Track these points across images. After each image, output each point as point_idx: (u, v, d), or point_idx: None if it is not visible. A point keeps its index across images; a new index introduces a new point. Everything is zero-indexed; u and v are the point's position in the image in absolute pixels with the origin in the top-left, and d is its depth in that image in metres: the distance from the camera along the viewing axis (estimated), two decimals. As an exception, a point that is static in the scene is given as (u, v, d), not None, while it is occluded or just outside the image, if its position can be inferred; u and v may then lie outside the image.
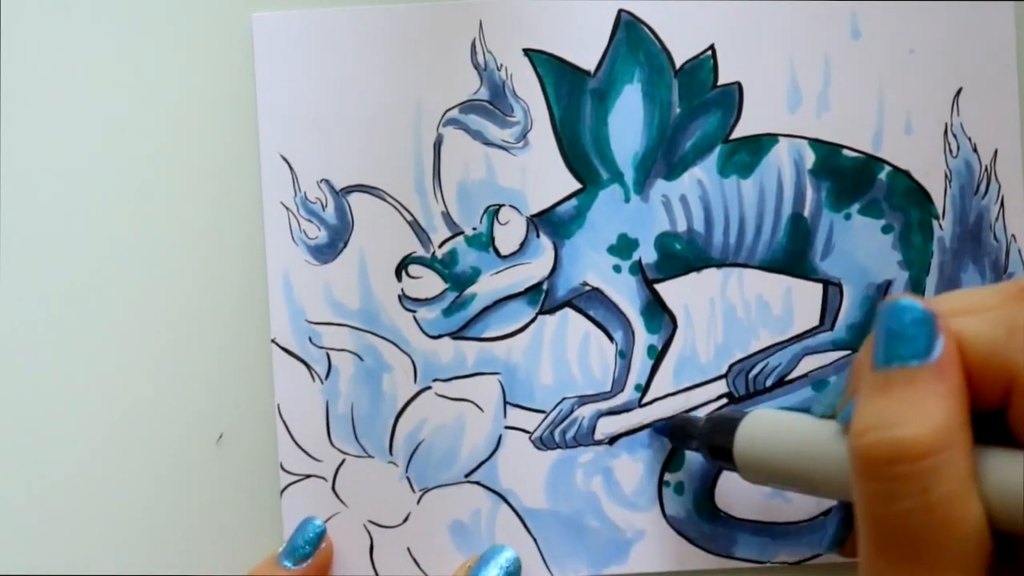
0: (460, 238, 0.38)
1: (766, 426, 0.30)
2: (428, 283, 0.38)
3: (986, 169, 0.37)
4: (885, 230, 0.37)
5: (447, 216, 0.38)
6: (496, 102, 0.37)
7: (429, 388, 0.37)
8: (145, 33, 0.38)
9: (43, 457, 0.38)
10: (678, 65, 0.37)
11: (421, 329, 0.37)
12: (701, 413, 0.37)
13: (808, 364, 0.37)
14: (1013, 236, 0.37)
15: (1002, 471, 0.23)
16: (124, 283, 0.38)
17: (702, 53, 0.37)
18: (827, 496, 0.28)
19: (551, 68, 0.37)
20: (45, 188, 0.38)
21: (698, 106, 0.37)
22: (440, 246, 0.38)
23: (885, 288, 0.37)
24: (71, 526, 0.38)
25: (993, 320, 0.24)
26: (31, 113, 0.38)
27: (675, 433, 0.37)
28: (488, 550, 0.37)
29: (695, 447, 0.35)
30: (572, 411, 0.37)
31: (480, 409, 0.37)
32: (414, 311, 0.38)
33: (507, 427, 0.37)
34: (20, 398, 0.38)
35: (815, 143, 0.37)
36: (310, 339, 0.37)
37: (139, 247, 0.38)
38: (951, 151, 0.37)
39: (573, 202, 0.37)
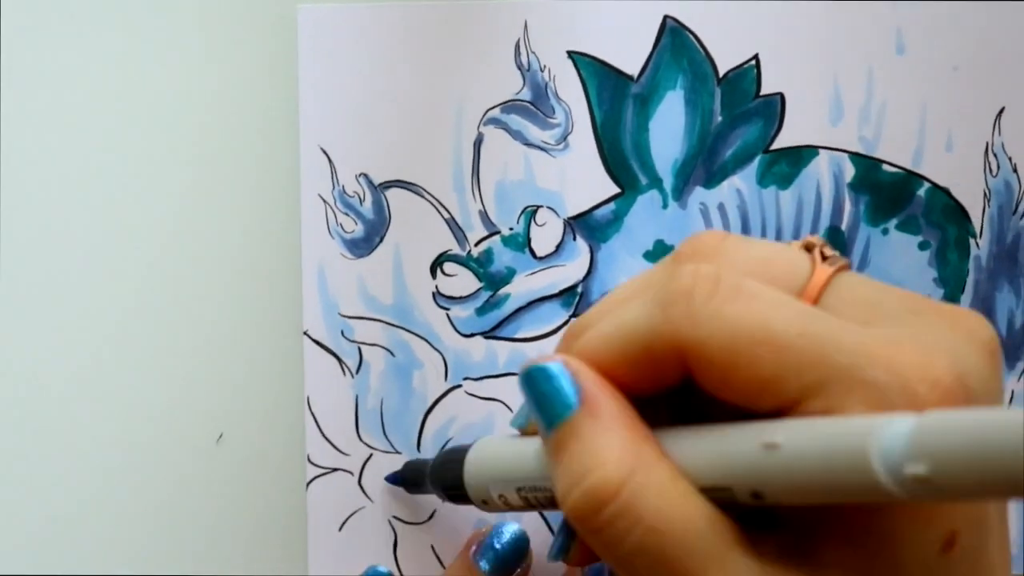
0: (496, 237, 0.38)
1: (490, 457, 0.29)
2: (463, 281, 0.38)
3: (1025, 189, 0.37)
4: (922, 246, 0.37)
5: (484, 215, 0.38)
6: (538, 103, 0.37)
7: (459, 386, 0.37)
8: (191, 22, 0.38)
9: (69, 452, 0.38)
10: (721, 73, 0.37)
11: (454, 327, 0.37)
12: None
13: (840, 377, 0.37)
14: (1050, 257, 0.37)
15: (704, 457, 0.23)
16: (159, 271, 0.38)
17: (746, 62, 0.37)
18: (553, 510, 0.27)
19: (594, 71, 0.37)
20: (83, 175, 0.38)
21: (740, 115, 0.37)
22: (476, 245, 0.38)
23: (920, 304, 0.37)
24: (97, 521, 0.38)
25: (650, 300, 0.24)
26: (73, 102, 0.38)
27: (407, 479, 0.36)
28: (494, 526, 0.36)
29: (428, 489, 0.34)
30: (601, 415, 0.37)
31: (509, 409, 0.37)
32: (447, 309, 0.38)
33: (536, 428, 0.37)
34: (52, 393, 0.38)
35: (855, 157, 0.37)
36: (342, 332, 0.37)
37: (177, 236, 0.38)
38: (991, 170, 0.37)
39: (611, 206, 0.37)
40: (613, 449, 0.23)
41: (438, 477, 0.32)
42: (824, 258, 0.24)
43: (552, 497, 0.26)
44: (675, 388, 0.24)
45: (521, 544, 0.36)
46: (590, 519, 0.23)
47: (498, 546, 0.36)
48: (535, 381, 0.25)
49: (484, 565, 0.35)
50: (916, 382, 0.21)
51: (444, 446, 0.37)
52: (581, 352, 0.25)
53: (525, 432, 0.28)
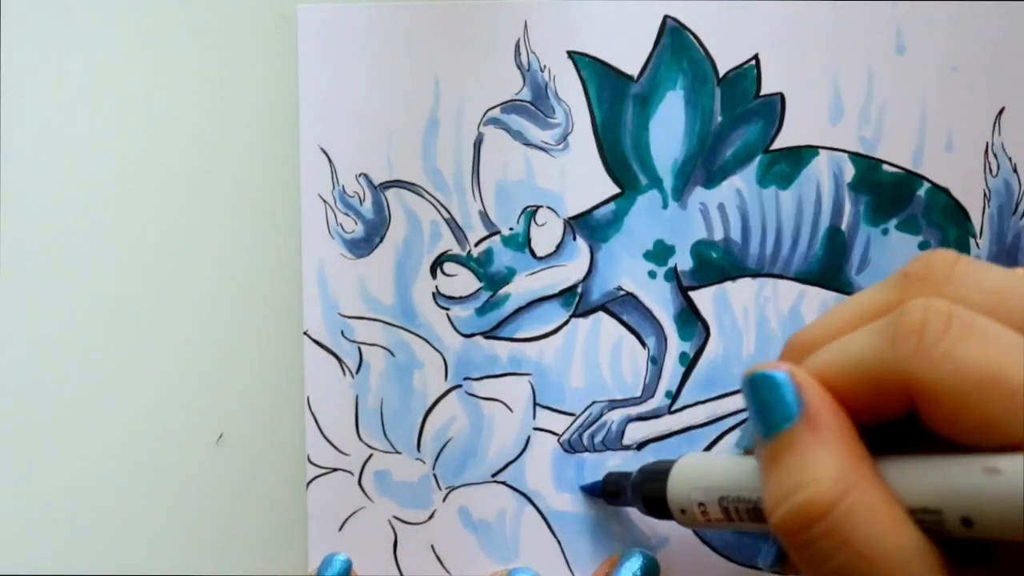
0: (496, 238, 0.38)
1: (695, 468, 0.29)
2: (463, 281, 0.38)
3: (1025, 190, 0.37)
4: (922, 246, 0.37)
5: (484, 215, 0.38)
6: (538, 103, 0.37)
7: (459, 386, 0.37)
8: (191, 21, 0.38)
9: (70, 452, 0.38)
10: (721, 73, 0.37)
11: (454, 327, 0.37)
12: (732, 422, 0.37)
13: (840, 377, 0.37)
14: (1050, 258, 0.37)
15: (918, 479, 0.23)
16: (160, 271, 0.38)
17: (746, 63, 0.37)
18: (764, 530, 0.27)
19: (594, 71, 0.37)
20: (82, 176, 0.38)
21: (740, 115, 0.37)
22: (476, 245, 0.38)
23: (919, 304, 0.37)
24: (97, 521, 0.38)
25: (879, 332, 0.24)
26: (72, 102, 0.38)
27: (607, 491, 0.36)
28: (623, 553, 0.37)
29: (628, 502, 0.34)
30: (601, 415, 0.37)
31: (510, 409, 0.37)
32: (447, 309, 0.38)
33: (536, 428, 0.37)
34: (52, 394, 0.38)
35: (855, 157, 0.37)
36: (342, 332, 0.37)
37: (177, 236, 0.38)
38: (991, 170, 0.37)
39: (611, 206, 0.37)
40: (830, 467, 0.23)
41: (641, 485, 0.32)
42: None
43: (752, 510, 0.26)
44: (896, 420, 0.24)
45: (651, 567, 0.36)
46: (798, 535, 0.23)
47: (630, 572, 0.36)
48: (759, 387, 0.25)
49: None
50: None
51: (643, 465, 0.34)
52: (809, 371, 0.25)
53: (746, 453, 0.28)
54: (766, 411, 0.25)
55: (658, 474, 0.30)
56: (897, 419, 0.24)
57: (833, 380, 0.24)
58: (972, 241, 0.37)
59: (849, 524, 0.22)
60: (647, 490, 0.31)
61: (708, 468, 0.28)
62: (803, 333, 0.26)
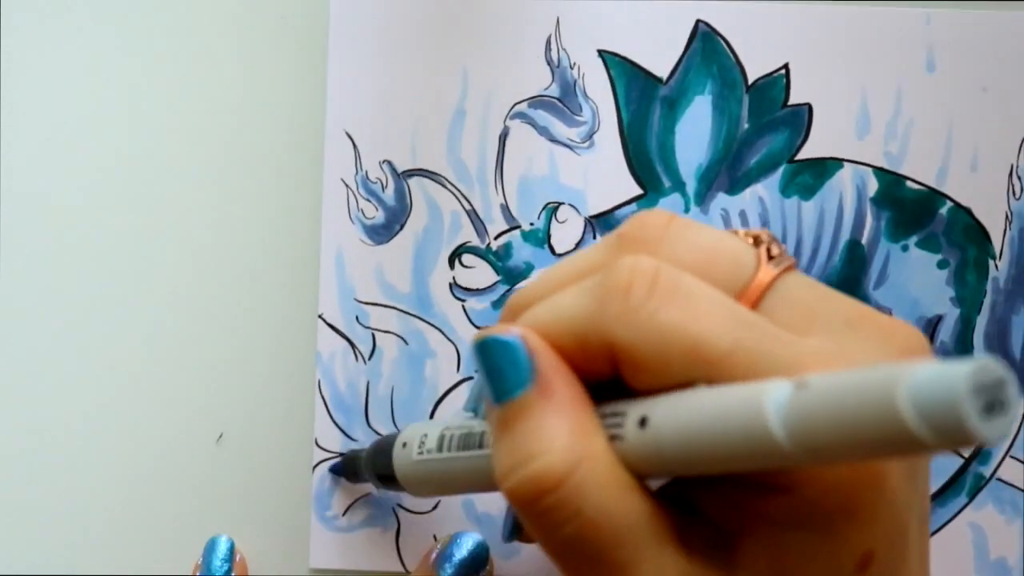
0: (516, 232, 0.38)
1: (418, 436, 0.29)
2: (480, 274, 0.38)
3: (1047, 214, 0.37)
4: (941, 265, 0.37)
5: (506, 209, 0.38)
6: (566, 100, 0.37)
7: (471, 378, 0.37)
8: (223, 4, 0.38)
9: (71, 448, 0.38)
10: (751, 81, 0.37)
11: (469, 319, 0.37)
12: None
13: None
14: (1068, 283, 0.37)
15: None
16: (179, 249, 0.38)
17: (776, 71, 0.37)
18: (491, 490, 0.26)
19: (623, 71, 0.37)
20: (106, 158, 0.38)
21: (767, 123, 0.37)
22: (496, 238, 0.38)
23: (935, 323, 0.37)
24: (98, 516, 0.38)
25: (587, 290, 0.23)
26: (98, 86, 0.38)
27: (346, 469, 0.36)
28: (453, 536, 0.37)
29: (365, 478, 0.34)
30: (611, 415, 0.37)
31: (520, 404, 0.37)
32: (464, 300, 0.38)
33: (545, 425, 0.37)
34: (56, 384, 0.38)
35: (879, 171, 0.37)
36: (357, 318, 0.37)
37: (198, 217, 0.38)
38: (1014, 193, 0.37)
39: (633, 207, 0.37)
40: (561, 435, 0.22)
41: (374, 452, 0.32)
42: (770, 257, 0.23)
43: (465, 436, 0.26)
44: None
45: (481, 552, 0.36)
46: (531, 504, 0.22)
47: (458, 554, 0.36)
48: (490, 351, 0.24)
49: (444, 572, 0.35)
50: None
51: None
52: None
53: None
54: (498, 376, 0.23)
55: (389, 439, 0.30)
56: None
57: (544, 337, 0.24)
58: (991, 263, 0.37)
59: (580, 494, 0.22)
60: (379, 451, 0.31)
61: (436, 422, 0.29)
62: (520, 293, 0.26)
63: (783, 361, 0.21)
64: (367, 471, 0.33)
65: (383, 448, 0.31)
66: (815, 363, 0.21)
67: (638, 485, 0.22)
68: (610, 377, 0.23)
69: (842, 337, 0.22)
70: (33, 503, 0.38)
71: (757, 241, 0.24)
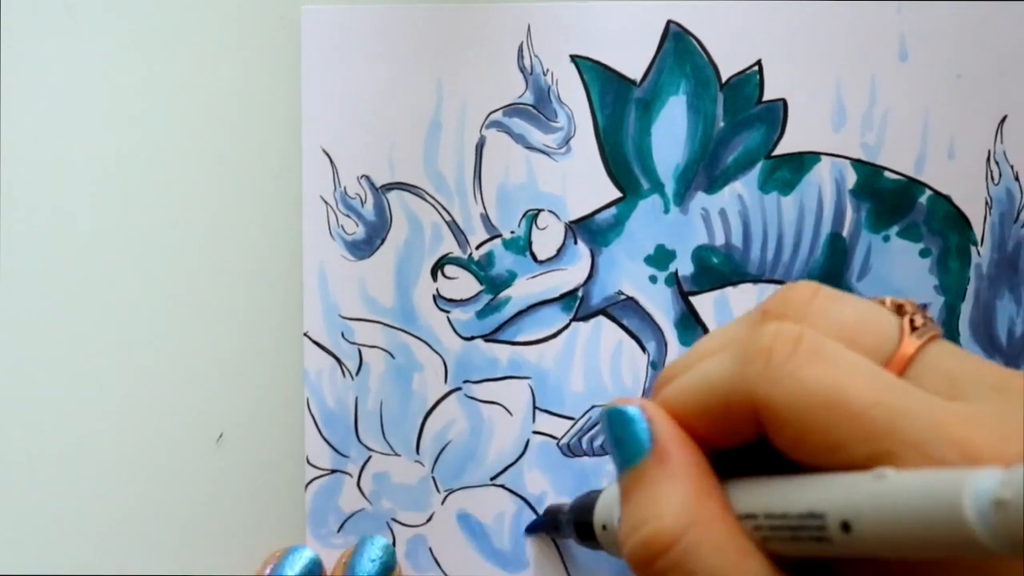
0: (498, 241, 0.38)
1: (615, 517, 0.29)
2: (463, 284, 0.38)
3: (1027, 198, 0.37)
4: (923, 254, 0.37)
5: (486, 218, 0.38)
6: (540, 107, 0.37)
7: (459, 389, 0.37)
8: (194, 22, 0.38)
9: (70, 453, 0.38)
10: (724, 79, 0.37)
11: (454, 330, 0.37)
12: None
13: (839, 384, 0.37)
14: (1051, 266, 0.37)
15: (757, 493, 0.23)
16: (159, 270, 0.38)
17: (749, 68, 0.37)
18: None
19: (597, 75, 0.37)
20: (84, 176, 0.38)
21: (742, 121, 0.37)
22: (477, 248, 0.38)
23: (920, 312, 0.37)
24: (97, 521, 0.38)
25: (731, 355, 0.24)
26: (74, 103, 0.38)
27: (548, 527, 0.36)
28: (361, 540, 0.37)
29: (566, 534, 0.34)
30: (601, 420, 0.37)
31: (509, 413, 0.37)
32: (448, 311, 0.38)
33: (535, 432, 0.37)
34: (52, 394, 0.38)
35: (857, 163, 0.37)
36: (342, 334, 0.37)
37: (178, 236, 0.38)
38: (993, 178, 0.37)
39: (612, 210, 0.37)
40: (674, 502, 0.23)
41: (575, 512, 0.33)
42: (914, 328, 0.24)
43: None
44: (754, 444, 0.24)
45: (313, 570, 0.36)
46: (646, 567, 0.23)
47: (290, 572, 0.36)
48: (614, 422, 0.25)
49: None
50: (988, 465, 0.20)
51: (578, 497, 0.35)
52: (664, 401, 0.25)
53: None
54: (621, 445, 0.25)
55: (586, 511, 0.31)
56: (753, 443, 0.24)
57: (688, 407, 0.25)
58: (973, 249, 0.37)
59: (693, 558, 0.23)
60: (580, 516, 0.32)
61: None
62: (670, 365, 0.27)
63: (925, 418, 0.21)
64: (572, 537, 0.34)
65: (583, 522, 0.32)
66: (958, 422, 0.21)
67: (758, 552, 0.23)
68: (755, 440, 0.24)
69: (990, 401, 0.22)
70: (33, 503, 0.38)
71: (901, 311, 0.24)
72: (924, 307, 0.25)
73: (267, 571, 0.36)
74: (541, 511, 0.37)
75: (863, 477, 0.21)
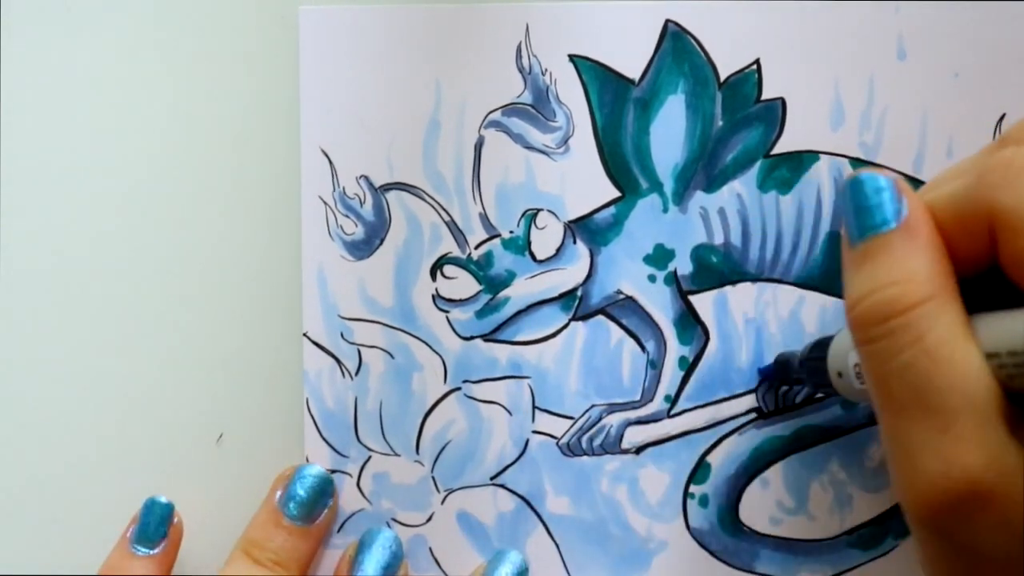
0: (497, 240, 0.38)
1: (851, 365, 0.30)
2: (462, 284, 0.38)
3: (1026, 196, 0.37)
4: (922, 252, 0.37)
5: (484, 218, 0.38)
6: (539, 106, 0.37)
7: (459, 389, 0.37)
8: (192, 24, 0.38)
9: (70, 453, 0.38)
10: (723, 78, 0.37)
11: (453, 330, 0.37)
12: (731, 426, 0.37)
13: (839, 383, 0.37)
14: (1049, 264, 0.37)
15: (999, 327, 0.23)
16: (158, 271, 0.38)
17: (747, 67, 0.37)
18: None
19: (595, 75, 0.37)
20: (84, 177, 0.38)
21: (741, 120, 0.37)
22: (476, 248, 0.38)
23: (919, 310, 0.37)
24: (97, 521, 0.38)
25: (966, 174, 0.25)
26: (72, 104, 0.38)
27: (779, 374, 0.36)
28: (497, 553, 0.37)
29: (795, 377, 0.35)
30: (600, 419, 0.37)
31: (508, 412, 0.37)
32: (447, 311, 0.38)
33: (534, 432, 0.37)
34: (52, 394, 0.38)
35: (856, 162, 0.37)
36: (342, 334, 0.37)
37: (177, 237, 0.38)
38: (991, 176, 0.37)
39: (611, 210, 0.37)
40: (921, 271, 0.24)
41: (807, 354, 0.34)
42: None
43: None
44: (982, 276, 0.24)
45: (325, 485, 0.36)
46: (874, 326, 0.23)
47: (302, 491, 0.36)
48: (863, 188, 0.25)
49: (290, 509, 0.36)
50: None
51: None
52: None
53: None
54: (866, 213, 0.25)
55: (818, 357, 0.32)
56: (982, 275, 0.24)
57: (931, 213, 0.25)
58: (972, 247, 0.37)
59: (927, 323, 0.23)
60: (813, 371, 0.33)
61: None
62: (920, 190, 0.27)
63: None
64: (807, 384, 0.35)
65: (818, 368, 0.32)
66: None
67: (979, 351, 0.23)
68: (985, 266, 0.24)
69: None
70: (32, 503, 0.38)
71: None
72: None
73: (277, 494, 0.36)
74: (540, 511, 0.37)
75: None
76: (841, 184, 0.26)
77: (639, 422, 0.37)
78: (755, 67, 0.37)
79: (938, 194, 0.25)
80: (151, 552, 0.36)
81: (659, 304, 0.37)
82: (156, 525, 0.36)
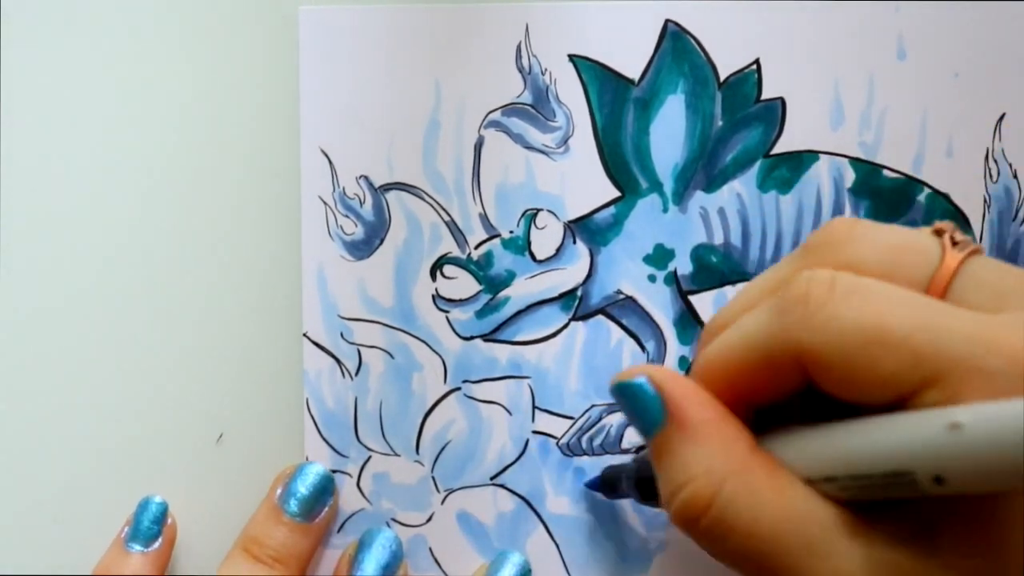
0: (496, 240, 0.38)
1: None
2: (462, 284, 0.38)
3: (1025, 196, 0.37)
4: (922, 252, 0.37)
5: (484, 218, 0.38)
6: (539, 106, 0.37)
7: (458, 389, 0.37)
8: (192, 23, 0.38)
9: (69, 452, 0.38)
10: (722, 78, 0.37)
11: (453, 330, 0.37)
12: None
13: (839, 382, 0.37)
14: (1049, 264, 0.37)
15: (832, 448, 0.23)
16: (157, 271, 0.38)
17: (747, 67, 0.37)
18: None
19: (595, 75, 0.37)
20: (83, 177, 0.38)
21: (740, 119, 0.37)
22: (476, 248, 0.38)
23: (919, 310, 0.37)
24: (97, 521, 0.38)
25: (769, 309, 0.24)
26: (72, 104, 0.38)
27: (605, 484, 0.36)
28: (499, 554, 0.37)
29: (625, 492, 0.34)
30: (600, 419, 0.37)
31: (508, 412, 0.37)
32: (447, 311, 0.38)
33: (535, 432, 0.37)
34: (52, 394, 0.38)
35: (856, 162, 0.37)
36: (342, 335, 0.37)
37: (177, 237, 0.38)
38: (991, 176, 0.37)
39: (611, 210, 0.37)
40: (701, 463, 0.24)
41: (638, 470, 0.33)
42: (954, 244, 0.24)
43: None
44: (802, 392, 0.24)
45: (325, 483, 0.36)
46: (691, 528, 0.24)
47: (303, 488, 0.36)
48: (623, 396, 0.26)
49: (291, 506, 0.36)
50: None
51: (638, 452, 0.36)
52: (707, 360, 0.25)
53: None
54: (635, 418, 0.26)
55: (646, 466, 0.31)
56: (803, 391, 0.24)
57: (732, 361, 0.25)
58: (972, 247, 0.37)
59: (730, 512, 0.23)
60: (642, 472, 0.32)
61: None
62: (715, 317, 0.27)
63: (968, 332, 0.21)
64: (634, 497, 0.34)
65: (652, 492, 0.31)
66: (1004, 331, 0.21)
67: (797, 483, 0.23)
68: (803, 387, 0.24)
69: None
70: (32, 503, 0.38)
71: (939, 232, 0.25)
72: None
73: (277, 491, 0.36)
74: (540, 511, 0.37)
75: (937, 426, 0.21)
76: (610, 391, 0.27)
77: (639, 422, 0.37)
78: (755, 67, 0.37)
79: (742, 334, 0.25)
80: (145, 550, 0.36)
81: (659, 304, 0.37)
82: (150, 524, 0.36)
